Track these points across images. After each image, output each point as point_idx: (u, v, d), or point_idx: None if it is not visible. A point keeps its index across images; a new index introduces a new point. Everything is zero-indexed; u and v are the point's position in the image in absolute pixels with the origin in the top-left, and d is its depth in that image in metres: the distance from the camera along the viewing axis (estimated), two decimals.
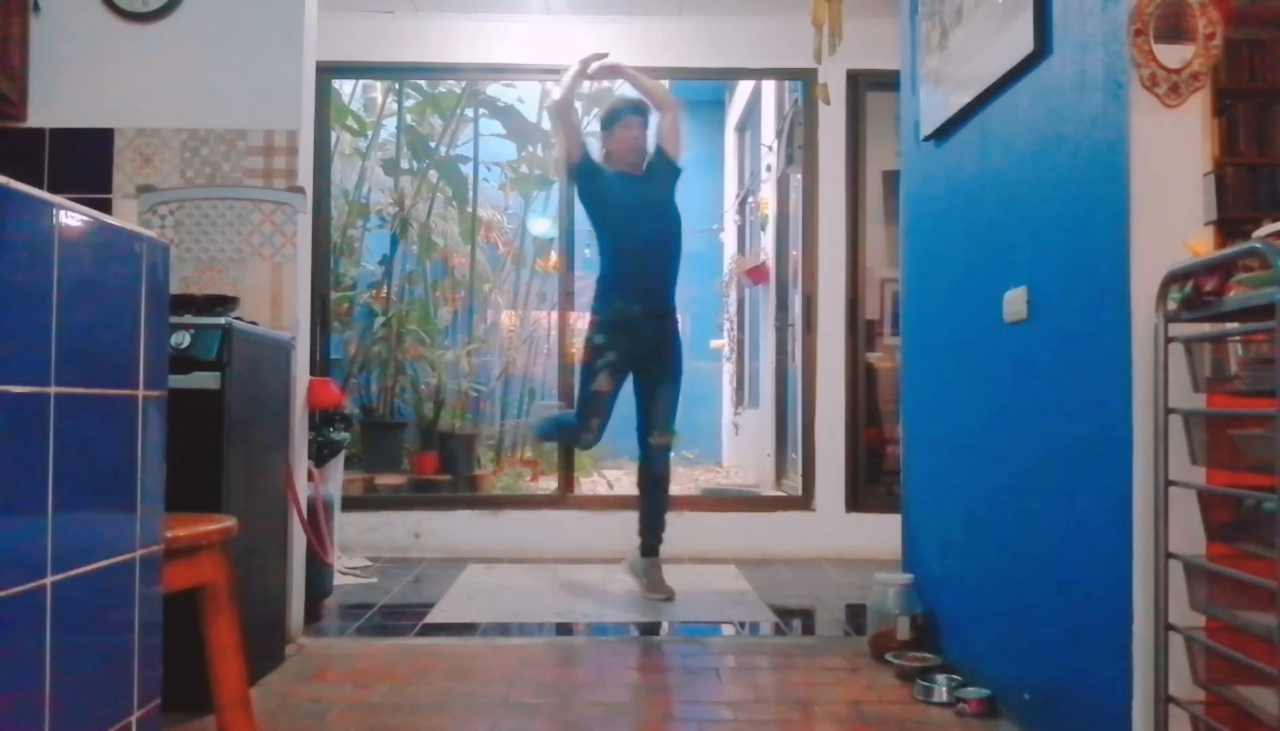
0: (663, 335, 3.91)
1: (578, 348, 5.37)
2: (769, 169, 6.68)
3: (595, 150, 4.16)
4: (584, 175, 3.95)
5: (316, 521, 3.17)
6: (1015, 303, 2.34)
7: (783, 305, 6.35)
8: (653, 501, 3.93)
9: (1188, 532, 1.75)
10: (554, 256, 5.96)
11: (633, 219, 3.88)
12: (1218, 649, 1.68)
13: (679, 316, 4.07)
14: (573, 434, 4.11)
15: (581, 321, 5.72)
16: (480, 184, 6.84)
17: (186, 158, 3.02)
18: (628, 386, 3.93)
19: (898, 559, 3.28)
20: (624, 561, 4.02)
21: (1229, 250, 1.65)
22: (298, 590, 3.07)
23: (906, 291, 3.29)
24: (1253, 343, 1.67)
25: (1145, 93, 1.86)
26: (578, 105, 5.21)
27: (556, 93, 4.08)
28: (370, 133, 6.51)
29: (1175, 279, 1.75)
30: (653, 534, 3.89)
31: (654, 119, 4.02)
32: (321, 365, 4.66)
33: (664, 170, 3.96)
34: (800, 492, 5.04)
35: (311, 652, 2.96)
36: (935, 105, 2.88)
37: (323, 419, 3.56)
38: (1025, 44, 2.26)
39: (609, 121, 4.00)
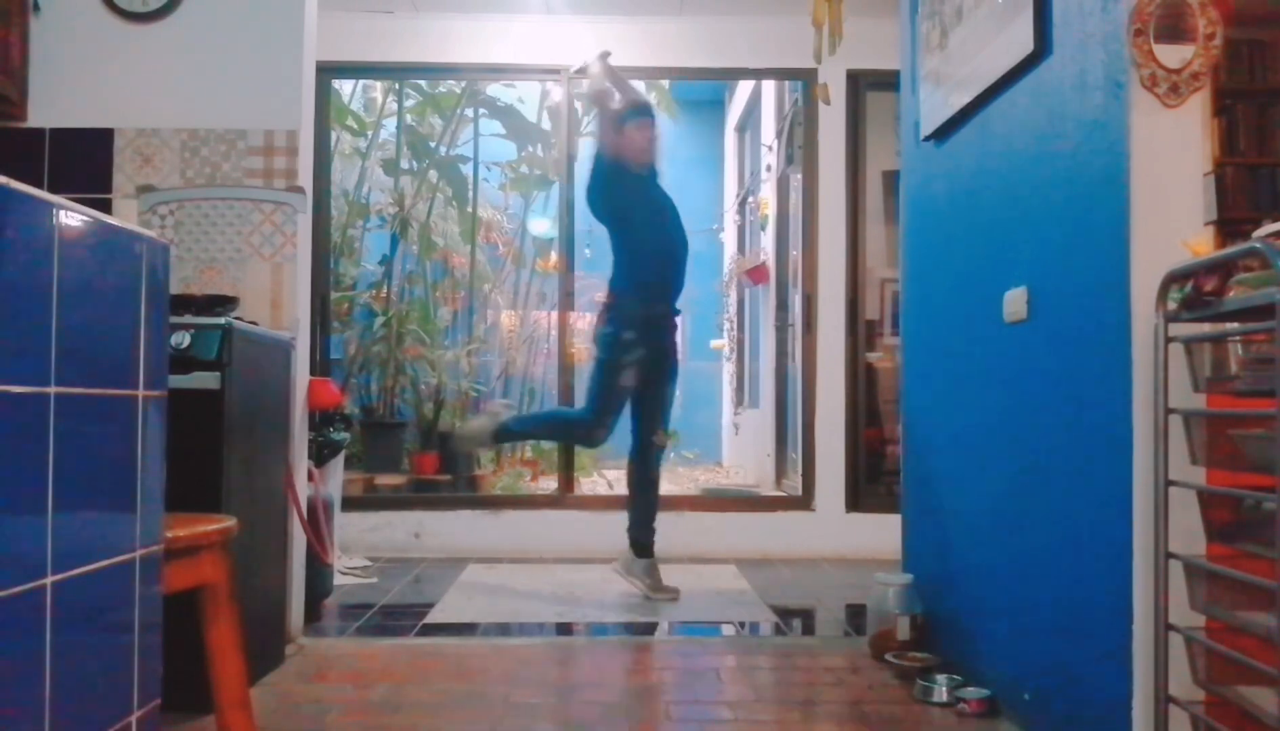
0: (672, 337, 4.00)
1: (578, 348, 5.38)
2: (769, 169, 6.68)
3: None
4: (619, 172, 3.93)
5: (316, 521, 3.17)
6: (1015, 303, 2.34)
7: (783, 305, 6.36)
8: (649, 501, 3.94)
9: (1188, 532, 1.75)
10: (554, 256, 5.96)
11: (660, 220, 3.92)
12: (1218, 649, 1.68)
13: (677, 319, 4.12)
14: (584, 431, 4.00)
15: (582, 321, 5.72)
16: (480, 184, 6.84)
17: (186, 158, 3.02)
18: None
19: (898, 559, 3.28)
20: (615, 563, 4.01)
21: (1229, 250, 1.65)
22: (298, 590, 3.07)
23: (906, 291, 3.29)
24: (1253, 342, 1.67)
25: (1145, 93, 1.86)
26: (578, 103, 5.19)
27: (594, 84, 4.09)
28: (370, 133, 6.51)
29: (1175, 279, 1.75)
30: (649, 534, 3.90)
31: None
32: (321, 365, 4.66)
33: (656, 176, 4.00)
34: (800, 492, 5.04)
35: (311, 652, 2.96)
36: (935, 105, 2.88)
37: (323, 419, 3.56)
38: (1025, 44, 2.26)
39: (620, 121, 3.98)
